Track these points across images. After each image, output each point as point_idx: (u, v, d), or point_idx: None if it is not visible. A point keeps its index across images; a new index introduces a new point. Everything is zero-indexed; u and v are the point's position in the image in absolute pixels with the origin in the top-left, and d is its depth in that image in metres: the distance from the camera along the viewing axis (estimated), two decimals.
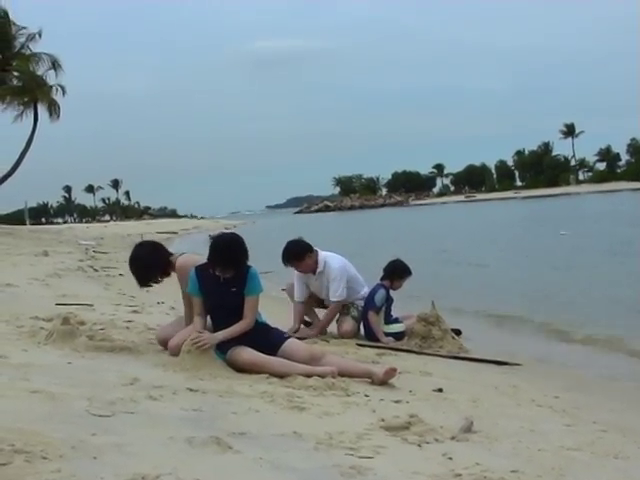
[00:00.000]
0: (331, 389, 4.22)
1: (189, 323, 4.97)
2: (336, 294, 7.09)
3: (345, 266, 7.24)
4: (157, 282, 5.36)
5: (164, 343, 5.03)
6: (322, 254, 7.18)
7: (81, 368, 4.09)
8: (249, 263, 4.83)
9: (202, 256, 5.09)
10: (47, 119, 39.55)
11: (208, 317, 4.89)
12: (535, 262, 17.00)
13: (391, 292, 7.20)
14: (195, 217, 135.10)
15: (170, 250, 5.50)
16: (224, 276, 4.75)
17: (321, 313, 7.45)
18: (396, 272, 7.22)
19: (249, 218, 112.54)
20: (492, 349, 7.18)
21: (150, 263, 5.24)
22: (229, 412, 3.44)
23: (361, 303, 7.20)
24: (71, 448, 2.45)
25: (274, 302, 8.72)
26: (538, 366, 6.68)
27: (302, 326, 7.31)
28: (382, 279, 7.21)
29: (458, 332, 7.24)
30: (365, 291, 7.26)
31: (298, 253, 7.04)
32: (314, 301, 7.40)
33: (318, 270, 7.12)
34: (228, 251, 4.73)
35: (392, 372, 4.68)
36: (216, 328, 4.78)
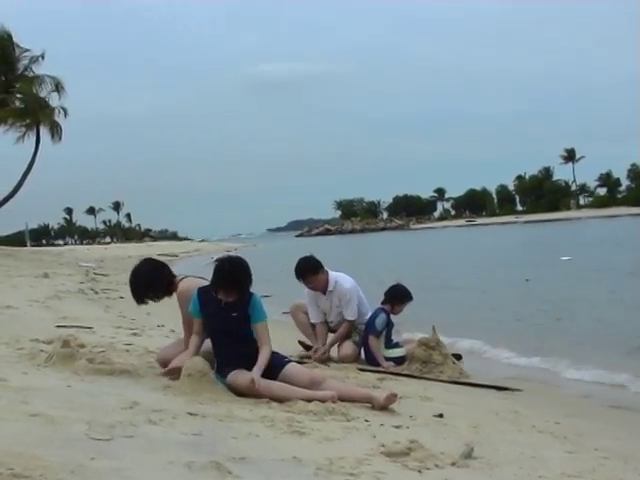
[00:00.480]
0: (331, 414, 4.21)
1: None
2: (352, 313, 7.13)
3: (355, 287, 7.27)
4: (154, 300, 5.33)
5: (164, 364, 5.03)
6: (332, 274, 7.21)
7: (80, 391, 4.08)
8: (251, 289, 4.83)
9: (205, 280, 5.10)
10: (49, 141, 39.75)
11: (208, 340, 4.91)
12: (535, 288, 16.96)
13: (392, 316, 7.19)
14: (190, 240, 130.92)
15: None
16: (226, 300, 4.75)
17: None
18: (397, 297, 7.21)
19: (250, 241, 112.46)
20: (492, 374, 7.16)
21: (149, 281, 5.22)
22: (229, 437, 3.42)
23: (363, 327, 7.19)
24: (70, 472, 2.44)
25: (275, 326, 8.66)
26: (539, 392, 6.65)
27: (303, 350, 7.30)
28: (383, 303, 7.21)
29: (459, 357, 7.22)
30: (369, 315, 7.26)
31: (312, 268, 7.07)
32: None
33: (328, 290, 7.14)
34: (233, 274, 4.73)
35: (393, 397, 4.67)
36: (216, 351, 4.80)
